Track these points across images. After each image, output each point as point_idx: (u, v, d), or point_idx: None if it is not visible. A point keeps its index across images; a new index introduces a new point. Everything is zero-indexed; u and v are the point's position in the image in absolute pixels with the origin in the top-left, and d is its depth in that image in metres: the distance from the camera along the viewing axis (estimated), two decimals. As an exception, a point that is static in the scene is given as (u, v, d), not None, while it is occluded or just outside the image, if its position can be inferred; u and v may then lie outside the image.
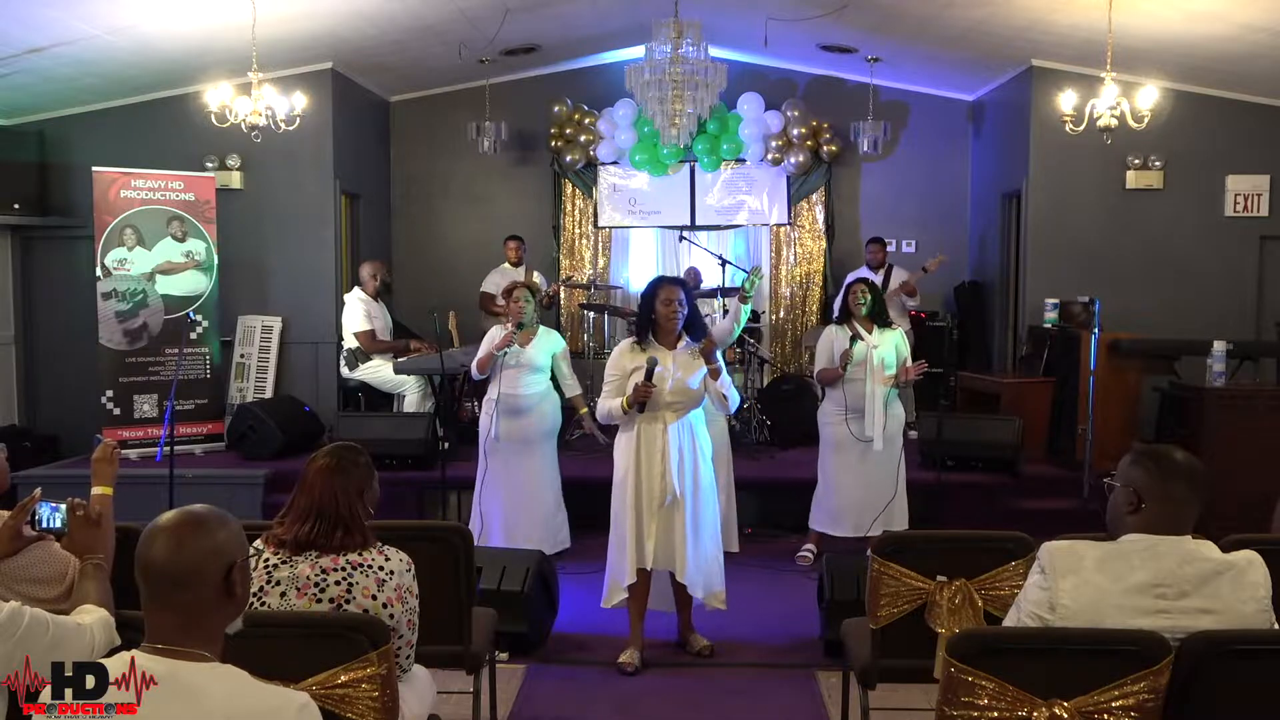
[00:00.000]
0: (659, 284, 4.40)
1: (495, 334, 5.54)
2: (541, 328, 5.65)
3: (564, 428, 6.51)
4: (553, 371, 5.63)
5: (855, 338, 5.50)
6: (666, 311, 4.30)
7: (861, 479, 5.58)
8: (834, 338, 5.65)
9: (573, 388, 5.73)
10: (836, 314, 5.87)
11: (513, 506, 5.55)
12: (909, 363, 5.57)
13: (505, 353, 5.42)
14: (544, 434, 5.63)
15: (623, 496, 4.36)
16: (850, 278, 8.00)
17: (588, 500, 6.42)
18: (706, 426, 4.54)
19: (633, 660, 4.35)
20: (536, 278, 8.25)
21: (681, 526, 4.28)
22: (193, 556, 1.71)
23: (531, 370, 5.50)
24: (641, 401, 4.23)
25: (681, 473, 4.28)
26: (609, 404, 4.37)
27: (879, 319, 5.61)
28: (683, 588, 4.38)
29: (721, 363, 4.39)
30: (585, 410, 5.83)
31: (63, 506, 2.66)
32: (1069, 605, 2.26)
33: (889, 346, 5.54)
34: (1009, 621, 2.46)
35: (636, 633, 4.42)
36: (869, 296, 5.62)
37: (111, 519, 2.74)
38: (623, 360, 4.38)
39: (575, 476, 6.55)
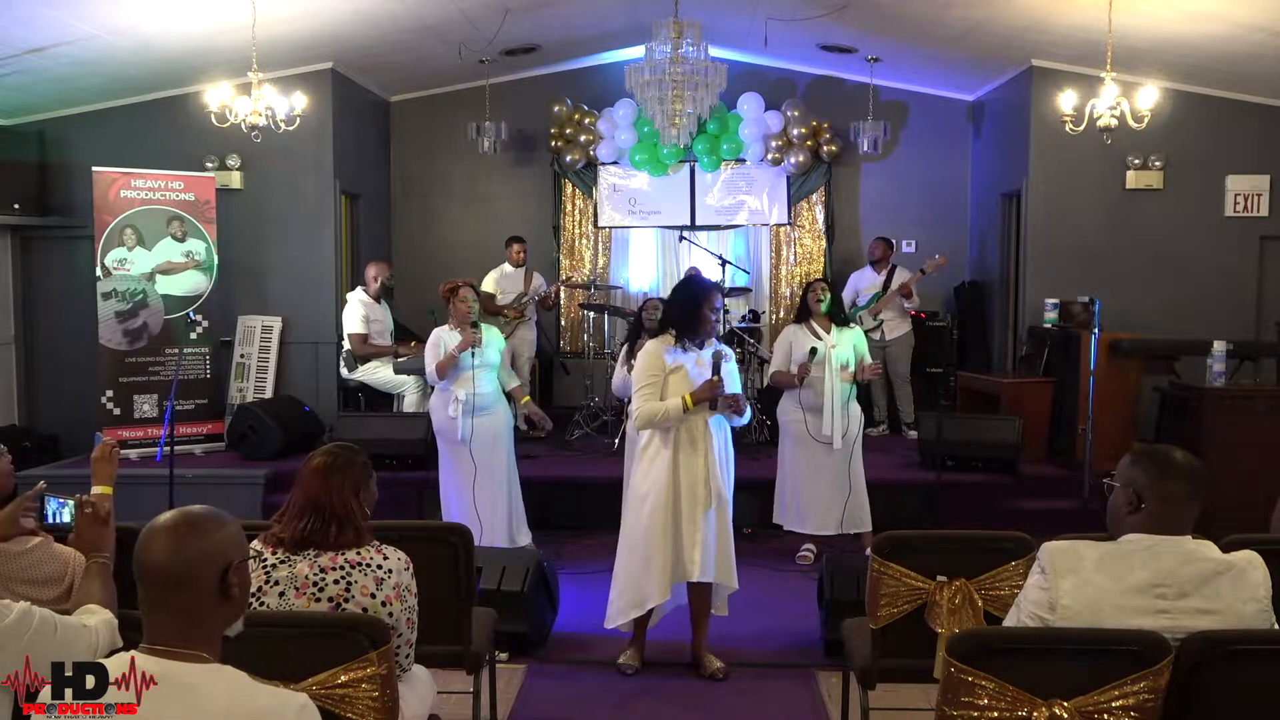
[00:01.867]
0: (710, 290, 4.33)
1: (444, 337, 5.44)
2: (482, 325, 5.64)
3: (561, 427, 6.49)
4: None
5: (814, 350, 5.49)
6: (715, 319, 4.27)
7: (822, 477, 5.58)
8: (791, 338, 5.69)
9: (510, 380, 5.72)
10: (796, 313, 5.90)
11: (485, 505, 5.49)
12: (867, 360, 5.62)
13: (472, 353, 5.39)
14: (506, 431, 5.64)
15: (656, 510, 4.15)
16: (853, 276, 7.96)
17: (586, 500, 6.43)
18: None
19: (633, 661, 4.34)
20: (537, 279, 8.24)
21: (719, 528, 4.22)
22: (189, 558, 1.70)
23: (491, 368, 5.51)
24: (712, 398, 4.11)
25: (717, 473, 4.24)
26: (660, 406, 4.11)
27: (836, 318, 5.68)
28: (701, 605, 4.33)
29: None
30: (527, 399, 5.78)
31: (70, 502, 2.65)
32: (1069, 605, 2.26)
33: (847, 346, 5.59)
34: (1009, 621, 2.46)
35: (640, 634, 4.40)
36: (828, 295, 5.70)
37: (113, 518, 2.74)
38: (661, 360, 4.18)
39: (573, 476, 6.56)
